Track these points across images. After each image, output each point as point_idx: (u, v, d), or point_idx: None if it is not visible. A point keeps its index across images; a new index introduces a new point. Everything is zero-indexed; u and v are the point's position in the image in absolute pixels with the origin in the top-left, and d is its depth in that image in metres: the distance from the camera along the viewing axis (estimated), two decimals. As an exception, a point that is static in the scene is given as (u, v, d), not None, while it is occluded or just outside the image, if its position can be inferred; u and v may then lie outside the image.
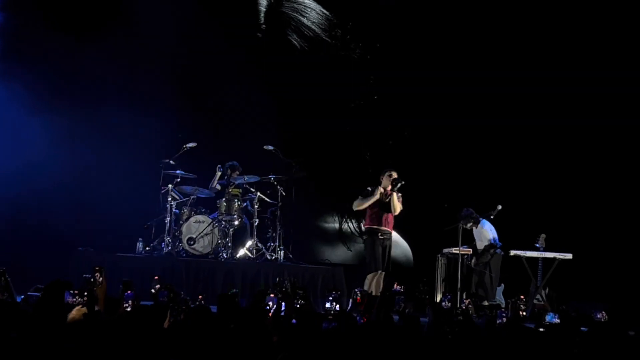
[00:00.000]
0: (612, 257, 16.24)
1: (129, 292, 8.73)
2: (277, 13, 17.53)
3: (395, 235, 16.92)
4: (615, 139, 16.78)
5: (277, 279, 12.90)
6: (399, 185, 13.99)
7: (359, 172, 17.34)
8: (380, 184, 14.20)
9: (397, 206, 14.08)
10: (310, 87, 17.43)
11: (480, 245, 15.26)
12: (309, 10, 17.49)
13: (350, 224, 18.15)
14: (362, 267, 15.95)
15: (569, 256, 15.06)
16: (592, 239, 16.17)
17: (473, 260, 15.14)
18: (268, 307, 7.88)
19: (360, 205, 14.16)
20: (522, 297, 10.15)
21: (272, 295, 7.86)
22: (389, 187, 14.07)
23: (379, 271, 14.01)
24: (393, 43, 17.57)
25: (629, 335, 7.36)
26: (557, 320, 8.65)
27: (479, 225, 15.20)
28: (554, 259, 15.01)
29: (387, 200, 14.07)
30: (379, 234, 14.11)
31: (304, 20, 17.42)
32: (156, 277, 10.50)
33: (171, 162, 15.42)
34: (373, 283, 13.83)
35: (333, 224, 18.27)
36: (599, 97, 16.63)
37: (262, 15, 17.52)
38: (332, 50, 17.58)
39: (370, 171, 17.00)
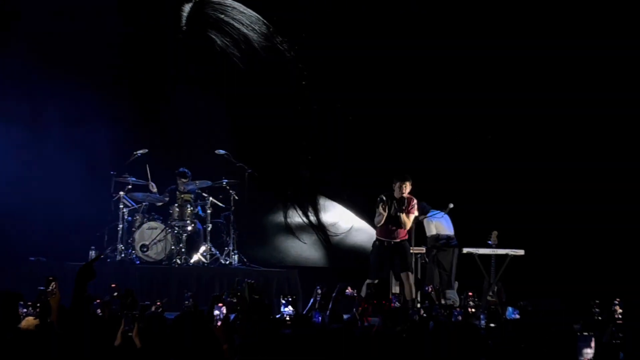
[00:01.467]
0: (564, 252, 16.37)
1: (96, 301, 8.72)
2: (199, 15, 17.45)
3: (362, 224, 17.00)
4: (563, 131, 16.89)
5: (236, 279, 12.89)
6: (405, 207, 13.84)
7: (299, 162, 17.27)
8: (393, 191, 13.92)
9: (407, 223, 13.87)
10: (249, 85, 17.42)
11: (430, 240, 15.34)
12: (229, 9, 17.44)
13: (297, 216, 17.92)
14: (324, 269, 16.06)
15: (521, 252, 15.15)
16: (543, 235, 16.28)
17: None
18: (216, 315, 7.82)
19: (377, 222, 13.98)
20: (470, 293, 10.17)
21: (220, 304, 7.80)
22: (397, 199, 13.82)
23: (375, 281, 13.91)
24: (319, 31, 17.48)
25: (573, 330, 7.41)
26: (516, 316, 8.70)
27: (426, 220, 15.24)
28: (506, 255, 15.10)
29: (395, 215, 13.93)
30: (385, 243, 13.98)
31: (224, 17, 17.38)
32: (113, 285, 10.42)
33: (138, 154, 15.35)
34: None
35: (281, 219, 18.12)
36: (549, 88, 16.79)
37: (184, 18, 17.44)
38: (261, 46, 17.47)
39: (310, 158, 17.03)
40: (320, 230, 17.81)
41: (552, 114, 16.82)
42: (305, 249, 18.09)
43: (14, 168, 15.72)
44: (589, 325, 7.80)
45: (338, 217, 17.79)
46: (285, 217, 17.85)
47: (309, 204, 17.37)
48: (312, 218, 17.62)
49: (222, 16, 17.42)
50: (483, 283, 15.00)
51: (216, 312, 7.81)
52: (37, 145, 15.93)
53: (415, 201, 13.91)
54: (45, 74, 15.93)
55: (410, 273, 13.78)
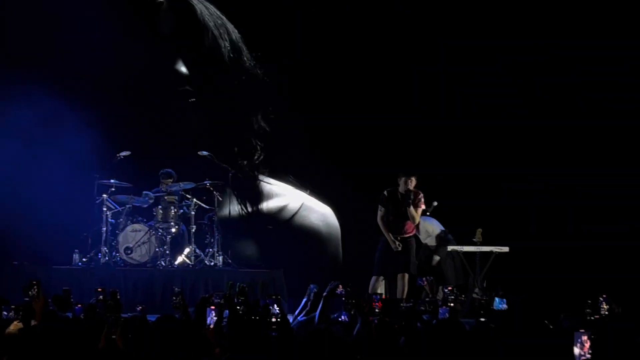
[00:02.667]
0: (548, 249, 16.38)
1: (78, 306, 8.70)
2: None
3: (312, 202, 16.92)
4: (545, 128, 16.91)
5: (228, 282, 12.84)
6: (411, 200, 13.80)
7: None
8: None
9: (415, 217, 13.86)
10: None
11: (431, 240, 15.30)
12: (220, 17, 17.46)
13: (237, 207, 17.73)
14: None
15: (506, 249, 15.17)
16: (528, 231, 16.29)
17: (435, 258, 15.15)
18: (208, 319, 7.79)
19: (381, 218, 13.91)
20: (449, 288, 10.16)
21: (211, 307, 7.77)
22: (403, 193, 13.79)
23: (380, 277, 13.87)
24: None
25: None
26: (504, 307, 8.69)
27: (421, 220, 15.26)
28: (491, 252, 15.11)
29: (403, 209, 13.91)
30: (391, 236, 13.90)
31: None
32: (99, 289, 10.37)
33: (121, 156, 15.43)
34: (375, 287, 13.71)
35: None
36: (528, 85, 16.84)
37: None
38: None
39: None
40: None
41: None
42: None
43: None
44: (579, 322, 7.83)
45: (286, 199, 17.62)
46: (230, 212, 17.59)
47: (248, 194, 17.19)
48: (250, 209, 17.39)
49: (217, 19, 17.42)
50: (468, 280, 15.03)
51: (209, 316, 7.78)
52: (17, 148, 15.81)
53: (421, 195, 13.89)
54: (23, 75, 15.83)
55: (407, 274, 13.76)
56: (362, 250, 16.21)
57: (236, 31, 17.36)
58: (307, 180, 17.42)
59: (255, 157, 17.32)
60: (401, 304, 10.46)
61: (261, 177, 17.44)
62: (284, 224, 17.43)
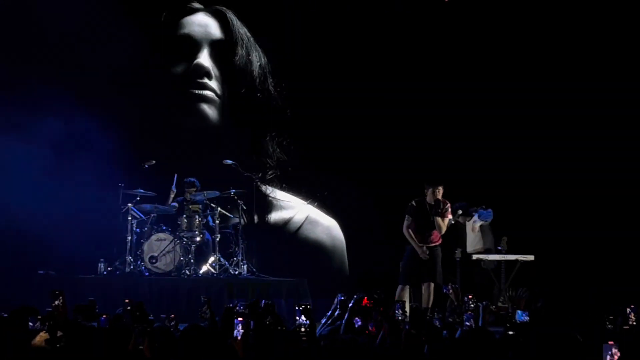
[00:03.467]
0: (574, 257, 16.30)
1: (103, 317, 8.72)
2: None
3: (316, 214, 16.94)
4: (574, 134, 16.83)
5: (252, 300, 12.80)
6: (440, 210, 13.76)
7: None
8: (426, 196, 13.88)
9: (442, 227, 13.78)
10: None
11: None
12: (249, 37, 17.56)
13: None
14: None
15: (531, 258, 15.11)
16: (553, 240, 16.20)
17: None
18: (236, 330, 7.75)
19: (407, 228, 13.87)
20: (469, 296, 10.10)
21: (239, 318, 7.73)
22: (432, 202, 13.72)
23: (407, 286, 13.81)
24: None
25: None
26: (526, 319, 8.62)
27: (473, 221, 15.22)
28: (516, 261, 15.06)
29: (431, 219, 13.83)
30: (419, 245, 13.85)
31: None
32: (127, 300, 10.34)
33: (146, 165, 15.46)
34: (401, 295, 13.64)
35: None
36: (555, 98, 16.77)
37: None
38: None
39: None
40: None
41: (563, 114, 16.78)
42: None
43: (23, 182, 15.69)
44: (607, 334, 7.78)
45: (292, 212, 17.62)
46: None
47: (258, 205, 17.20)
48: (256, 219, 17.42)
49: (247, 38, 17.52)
50: (493, 289, 14.98)
51: (236, 327, 7.74)
52: (43, 158, 15.86)
53: (449, 204, 13.85)
54: (52, 90, 15.92)
55: (432, 283, 13.69)
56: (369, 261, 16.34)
57: (264, 57, 17.47)
58: (314, 194, 17.44)
59: (269, 173, 17.40)
60: (427, 314, 10.41)
61: (269, 188, 17.49)
62: (290, 236, 17.43)
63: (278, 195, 17.54)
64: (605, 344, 6.58)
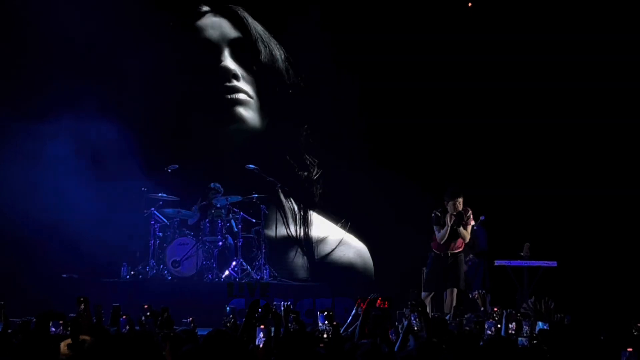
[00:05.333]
0: (597, 265, 16.21)
1: (123, 317, 8.73)
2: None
3: (350, 238, 16.93)
4: (598, 144, 16.77)
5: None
6: (464, 221, 13.71)
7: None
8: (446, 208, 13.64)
9: (467, 236, 13.65)
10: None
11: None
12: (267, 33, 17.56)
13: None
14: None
15: (554, 264, 15.05)
16: (576, 247, 16.14)
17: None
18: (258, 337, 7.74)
19: (440, 239, 13.63)
20: (495, 309, 10.04)
21: (261, 326, 7.72)
22: (455, 213, 13.55)
23: (432, 293, 13.73)
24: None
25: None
26: (546, 327, 8.58)
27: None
28: (539, 267, 15.00)
29: (455, 228, 13.63)
30: (442, 255, 13.70)
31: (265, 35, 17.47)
32: (146, 306, 10.39)
33: (169, 169, 15.55)
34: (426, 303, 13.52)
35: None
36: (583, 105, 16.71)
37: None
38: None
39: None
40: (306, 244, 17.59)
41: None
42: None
43: (48, 185, 15.78)
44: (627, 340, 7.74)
45: (327, 231, 17.61)
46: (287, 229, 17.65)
47: (301, 218, 17.23)
48: (301, 232, 17.43)
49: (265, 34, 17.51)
50: (516, 296, 14.91)
51: (258, 335, 7.74)
52: (67, 163, 15.93)
53: (470, 212, 13.77)
54: (73, 88, 16.01)
55: (455, 289, 13.61)
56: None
57: (282, 49, 17.47)
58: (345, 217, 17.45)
59: (314, 172, 17.39)
60: (449, 321, 10.38)
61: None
62: (325, 256, 17.45)
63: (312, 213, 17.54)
64: (624, 350, 6.56)
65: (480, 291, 13.33)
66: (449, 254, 13.65)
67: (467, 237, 13.68)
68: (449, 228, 13.47)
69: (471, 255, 15.02)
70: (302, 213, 17.37)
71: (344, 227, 17.42)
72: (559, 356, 6.92)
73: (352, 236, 17.52)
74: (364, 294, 9.68)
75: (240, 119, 17.33)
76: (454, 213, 13.51)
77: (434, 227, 13.64)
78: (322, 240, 17.43)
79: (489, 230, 15.37)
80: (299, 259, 17.29)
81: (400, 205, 16.47)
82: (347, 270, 17.31)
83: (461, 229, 13.55)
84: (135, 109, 16.58)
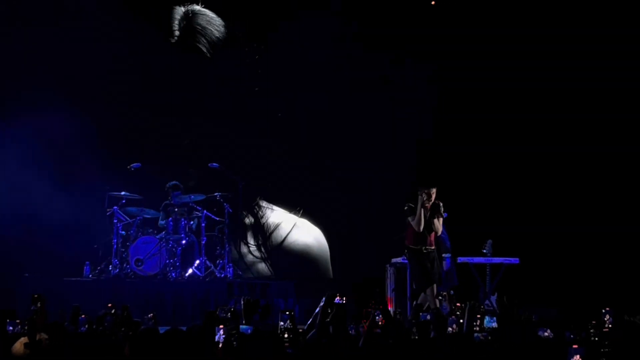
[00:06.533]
0: (559, 261, 16.32)
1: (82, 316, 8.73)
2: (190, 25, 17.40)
3: (303, 222, 17.02)
4: (558, 139, 16.87)
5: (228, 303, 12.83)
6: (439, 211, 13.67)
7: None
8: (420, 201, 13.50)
9: (440, 228, 13.59)
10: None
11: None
12: (213, 20, 17.42)
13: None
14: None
15: (516, 261, 15.11)
16: (538, 243, 16.22)
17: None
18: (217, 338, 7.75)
19: (416, 225, 13.46)
20: (458, 304, 10.10)
21: (220, 327, 7.74)
22: (428, 206, 13.47)
23: (434, 284, 13.63)
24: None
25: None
26: (494, 325, 8.64)
27: None
28: (501, 264, 15.06)
29: (429, 220, 13.50)
30: (422, 249, 13.62)
31: (212, 29, 17.34)
32: (109, 305, 10.35)
33: (132, 168, 15.49)
34: (432, 297, 13.42)
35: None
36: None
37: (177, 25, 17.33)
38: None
39: None
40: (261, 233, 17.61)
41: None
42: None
43: (7, 184, 15.69)
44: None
45: (280, 218, 17.65)
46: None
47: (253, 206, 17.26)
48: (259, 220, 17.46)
49: (209, 27, 17.38)
50: (479, 293, 14.97)
51: (217, 333, 7.74)
52: (26, 161, 15.83)
53: (441, 204, 13.75)
54: (34, 84, 15.94)
55: (435, 284, 13.54)
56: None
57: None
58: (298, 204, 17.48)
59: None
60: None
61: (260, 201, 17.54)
62: (279, 242, 17.47)
63: (264, 203, 17.52)
64: (570, 347, 6.58)
65: (446, 291, 13.35)
66: (429, 250, 13.58)
67: (440, 229, 13.65)
68: (422, 214, 13.41)
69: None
70: (255, 203, 17.36)
71: (297, 214, 17.45)
72: (510, 351, 6.98)
73: (306, 221, 17.58)
74: (323, 282, 9.77)
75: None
76: (428, 203, 13.50)
77: (408, 218, 13.59)
78: (276, 227, 17.45)
79: (451, 227, 15.42)
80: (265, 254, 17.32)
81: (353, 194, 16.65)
82: (304, 253, 17.42)
83: (436, 221, 13.53)
84: (97, 107, 16.49)
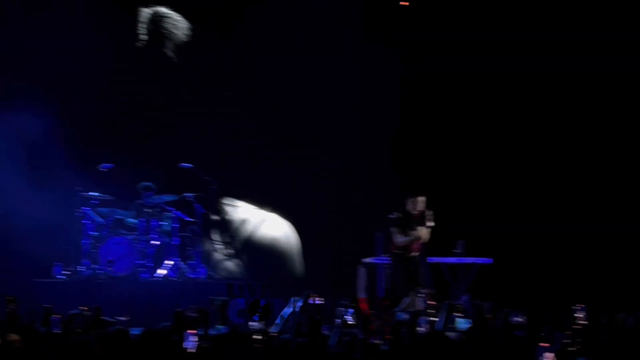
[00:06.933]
0: (532, 262, 16.35)
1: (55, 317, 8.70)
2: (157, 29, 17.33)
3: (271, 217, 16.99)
4: (532, 137, 16.92)
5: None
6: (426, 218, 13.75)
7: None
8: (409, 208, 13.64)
9: (426, 236, 13.72)
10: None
11: None
12: (179, 23, 17.37)
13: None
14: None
15: (489, 261, 15.14)
16: (512, 244, 16.25)
17: None
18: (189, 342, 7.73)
19: (402, 243, 13.57)
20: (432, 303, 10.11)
21: (191, 331, 7.71)
22: (416, 215, 13.55)
23: (419, 288, 13.61)
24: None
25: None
26: (467, 327, 8.67)
27: None
28: (474, 264, 15.08)
29: (416, 228, 13.58)
30: (406, 254, 13.65)
31: (178, 33, 17.30)
32: (85, 308, 10.27)
33: (103, 168, 15.36)
34: (414, 302, 13.40)
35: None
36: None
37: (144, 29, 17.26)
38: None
39: None
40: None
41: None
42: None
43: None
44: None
45: (248, 214, 17.61)
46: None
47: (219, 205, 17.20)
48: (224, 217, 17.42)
49: (175, 31, 17.34)
50: (450, 293, 14.98)
51: (189, 340, 7.72)
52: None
53: (431, 212, 13.75)
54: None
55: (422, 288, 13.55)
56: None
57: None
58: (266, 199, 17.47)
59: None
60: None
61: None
62: (247, 238, 17.43)
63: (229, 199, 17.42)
64: (540, 346, 6.60)
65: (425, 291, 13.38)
66: (414, 255, 13.61)
67: (426, 238, 13.69)
68: (409, 241, 13.49)
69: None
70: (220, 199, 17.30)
71: (265, 208, 17.43)
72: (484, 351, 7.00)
73: (275, 215, 17.54)
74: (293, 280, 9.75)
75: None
76: (416, 213, 13.53)
77: (393, 229, 13.62)
78: (243, 223, 17.41)
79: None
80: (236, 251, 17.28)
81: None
82: (272, 249, 17.38)
83: (423, 229, 13.58)
84: (69, 106, 16.39)
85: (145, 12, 17.02)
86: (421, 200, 13.64)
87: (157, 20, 17.06)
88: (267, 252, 17.33)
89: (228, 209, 17.28)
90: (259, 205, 17.51)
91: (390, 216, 13.65)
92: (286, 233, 17.51)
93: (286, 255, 17.41)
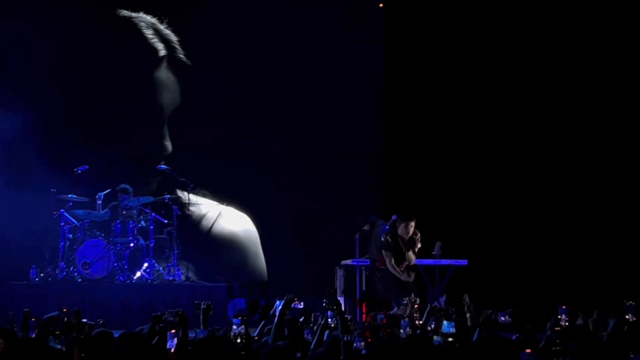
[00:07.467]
0: (508, 262, 16.39)
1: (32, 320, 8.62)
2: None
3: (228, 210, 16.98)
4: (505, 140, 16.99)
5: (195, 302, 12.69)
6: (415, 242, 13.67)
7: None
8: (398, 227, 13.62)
9: (413, 259, 13.68)
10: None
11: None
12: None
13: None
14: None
15: (465, 263, 15.18)
16: (487, 245, 16.30)
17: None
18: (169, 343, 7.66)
19: (394, 272, 13.53)
20: (415, 306, 10.09)
21: (172, 331, 7.65)
22: (407, 238, 13.57)
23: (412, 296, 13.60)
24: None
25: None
26: (452, 330, 8.64)
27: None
28: (450, 266, 15.10)
29: (403, 251, 13.65)
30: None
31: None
32: (65, 310, 10.19)
33: (79, 170, 15.33)
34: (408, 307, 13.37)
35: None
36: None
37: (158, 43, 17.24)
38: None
39: None
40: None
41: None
42: None
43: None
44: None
45: (205, 208, 17.55)
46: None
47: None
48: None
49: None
50: (427, 295, 14.99)
51: (169, 340, 7.66)
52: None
53: (419, 234, 13.78)
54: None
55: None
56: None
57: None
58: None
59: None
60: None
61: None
62: (205, 233, 17.38)
63: (191, 197, 17.28)
64: (523, 352, 6.60)
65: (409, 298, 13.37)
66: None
67: (413, 260, 13.73)
68: (404, 275, 13.51)
69: None
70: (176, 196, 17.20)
71: (222, 202, 17.38)
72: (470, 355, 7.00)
73: (231, 208, 17.47)
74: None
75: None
76: (406, 236, 13.54)
77: (384, 251, 13.63)
78: (202, 217, 17.35)
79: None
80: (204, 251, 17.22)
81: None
82: (231, 241, 17.34)
83: (410, 252, 13.61)
84: (46, 107, 16.30)
85: (145, 21, 17.05)
86: (412, 224, 13.66)
87: (157, 28, 17.10)
88: (226, 246, 17.27)
89: (188, 204, 17.13)
90: (219, 199, 17.45)
91: (382, 240, 13.66)
92: (242, 223, 17.44)
93: (246, 248, 17.33)
